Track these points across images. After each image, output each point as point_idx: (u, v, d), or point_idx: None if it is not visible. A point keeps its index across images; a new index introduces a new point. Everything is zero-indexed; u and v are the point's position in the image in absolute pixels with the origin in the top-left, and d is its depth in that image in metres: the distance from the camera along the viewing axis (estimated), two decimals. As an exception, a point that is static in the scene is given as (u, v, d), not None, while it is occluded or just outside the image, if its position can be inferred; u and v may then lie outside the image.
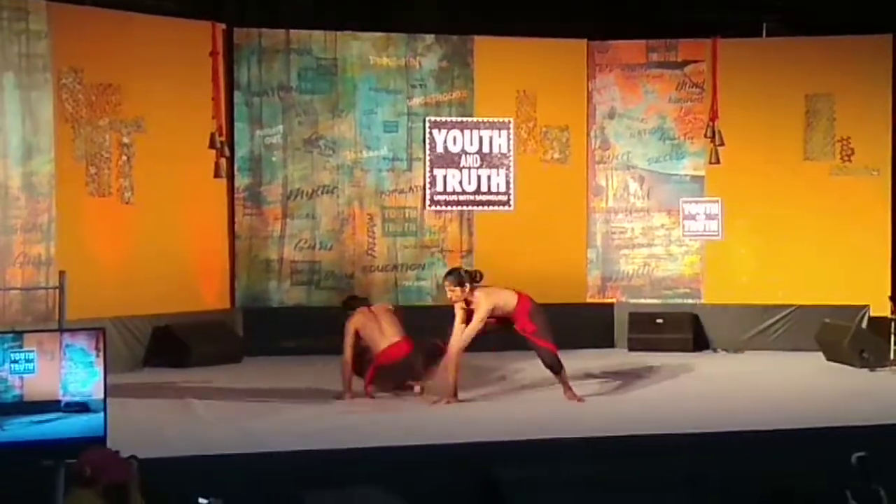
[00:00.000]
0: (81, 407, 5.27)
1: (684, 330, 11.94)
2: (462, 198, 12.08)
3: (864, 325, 11.37)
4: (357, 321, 9.34)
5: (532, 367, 10.77)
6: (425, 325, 11.58)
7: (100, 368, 5.31)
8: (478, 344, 11.37)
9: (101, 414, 5.33)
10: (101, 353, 5.32)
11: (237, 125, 11.58)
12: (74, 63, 10.27)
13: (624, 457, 7.06)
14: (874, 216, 11.79)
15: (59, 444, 5.24)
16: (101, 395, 5.31)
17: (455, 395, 8.90)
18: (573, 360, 11.08)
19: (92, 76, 10.40)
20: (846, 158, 11.95)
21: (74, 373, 5.26)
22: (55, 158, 10.09)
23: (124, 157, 10.70)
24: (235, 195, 11.60)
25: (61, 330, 5.62)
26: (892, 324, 10.59)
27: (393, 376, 9.29)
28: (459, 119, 12.05)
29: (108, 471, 4.75)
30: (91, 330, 5.47)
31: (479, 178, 12.09)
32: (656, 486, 6.35)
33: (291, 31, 11.72)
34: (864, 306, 11.62)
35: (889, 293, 11.25)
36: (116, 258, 10.51)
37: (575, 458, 7.05)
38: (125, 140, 10.70)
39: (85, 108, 10.40)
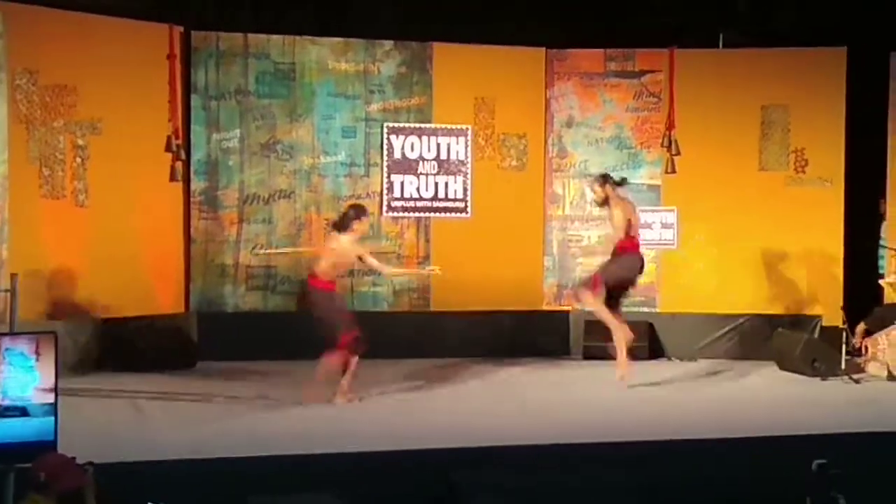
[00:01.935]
0: (20, 411, 5.22)
1: (639, 338, 11.94)
2: (419, 204, 12.07)
3: (816, 334, 11.47)
4: (629, 209, 10.11)
5: (485, 373, 10.81)
6: (381, 332, 11.63)
7: (40, 373, 5.26)
8: (428, 352, 11.41)
9: (52, 418, 5.28)
10: (42, 358, 5.27)
11: (194, 128, 11.50)
12: (29, 64, 10.16)
13: (580, 464, 7.07)
14: (827, 227, 11.89)
15: (8, 448, 5.19)
16: (41, 400, 5.25)
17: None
18: (529, 368, 11.16)
19: (47, 77, 10.30)
20: (800, 169, 12.05)
21: (14, 377, 5.21)
22: (8, 160, 9.98)
23: (79, 160, 10.60)
24: (191, 199, 11.51)
25: (4, 334, 5.56)
26: (844, 334, 10.69)
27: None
28: (417, 125, 12.04)
29: (63, 477, 4.71)
30: (32, 334, 5.44)
31: (436, 184, 12.09)
32: (612, 493, 6.38)
33: (249, 35, 11.66)
34: (817, 316, 11.74)
35: (841, 303, 11.36)
36: (70, 261, 10.40)
37: (533, 465, 7.06)
38: (80, 142, 10.59)
39: (39, 110, 10.29)
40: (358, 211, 9.45)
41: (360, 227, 9.35)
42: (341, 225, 9.37)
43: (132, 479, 6.08)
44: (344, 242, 9.28)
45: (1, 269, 9.81)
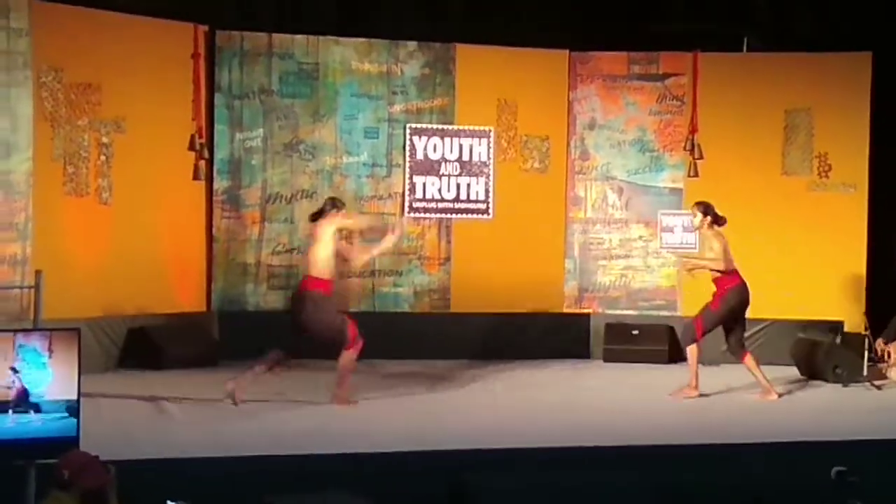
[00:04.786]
0: (33, 408, 5.24)
1: (660, 342, 11.96)
2: (441, 205, 12.09)
3: (838, 340, 11.41)
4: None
5: (505, 374, 10.81)
6: (401, 332, 11.64)
7: (53, 369, 5.27)
8: (448, 352, 11.40)
9: (66, 414, 5.30)
10: (57, 355, 5.28)
11: (217, 127, 11.55)
12: (55, 61, 10.22)
13: (596, 467, 7.06)
14: (850, 232, 11.85)
15: (30, 444, 5.22)
16: (54, 397, 5.27)
17: None
18: (549, 370, 11.16)
19: (72, 75, 10.36)
20: (823, 174, 12.01)
21: (27, 374, 5.22)
22: (33, 157, 10.03)
23: (103, 157, 10.66)
24: (214, 198, 11.56)
25: (18, 330, 5.58)
26: (866, 340, 10.65)
27: None
28: (440, 126, 12.06)
29: (87, 475, 4.73)
30: (47, 330, 5.46)
31: (458, 185, 12.10)
32: (627, 496, 6.36)
33: (274, 34, 11.70)
34: (839, 322, 11.68)
35: (864, 309, 11.31)
36: (93, 259, 10.45)
37: (546, 467, 7.06)
38: (104, 140, 10.65)
39: (64, 107, 10.35)
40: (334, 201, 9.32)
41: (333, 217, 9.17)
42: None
43: (149, 477, 6.11)
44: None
45: (25, 265, 9.87)
